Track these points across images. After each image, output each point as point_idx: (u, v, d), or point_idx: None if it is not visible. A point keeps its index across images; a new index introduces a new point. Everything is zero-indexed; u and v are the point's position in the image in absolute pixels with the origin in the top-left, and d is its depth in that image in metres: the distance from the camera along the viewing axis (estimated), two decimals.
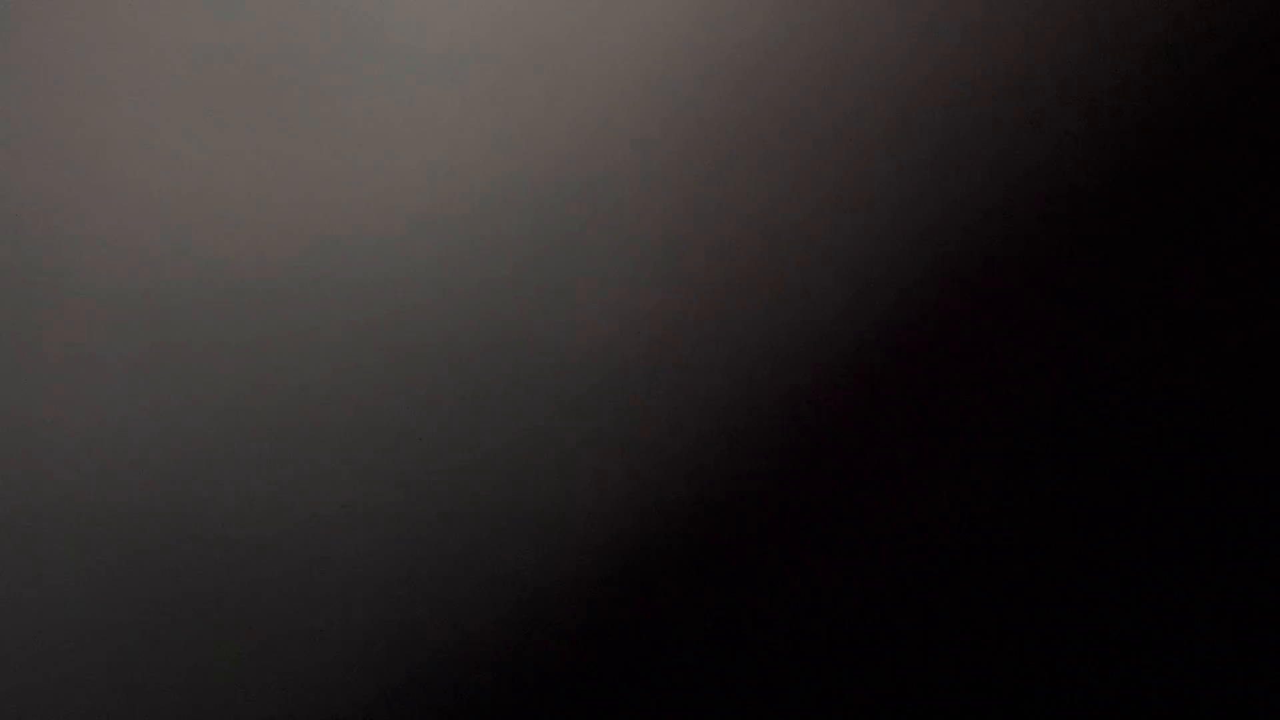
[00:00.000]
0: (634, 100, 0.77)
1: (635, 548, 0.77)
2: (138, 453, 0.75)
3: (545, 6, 0.76)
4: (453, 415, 0.76)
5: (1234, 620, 0.79)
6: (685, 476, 0.77)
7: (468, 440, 0.76)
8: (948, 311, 0.78)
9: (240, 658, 0.75)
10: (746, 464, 0.77)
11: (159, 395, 0.75)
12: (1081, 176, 0.79)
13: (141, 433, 0.75)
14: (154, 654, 0.75)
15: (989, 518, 0.78)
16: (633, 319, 0.77)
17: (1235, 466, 0.79)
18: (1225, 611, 0.79)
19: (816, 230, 0.78)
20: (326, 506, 0.76)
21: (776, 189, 0.77)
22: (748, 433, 0.77)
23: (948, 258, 0.78)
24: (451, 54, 0.76)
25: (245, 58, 0.75)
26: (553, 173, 0.77)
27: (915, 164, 0.78)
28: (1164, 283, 0.79)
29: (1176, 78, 0.79)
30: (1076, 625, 0.79)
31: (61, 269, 0.75)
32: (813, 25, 0.78)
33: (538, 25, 0.77)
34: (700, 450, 0.77)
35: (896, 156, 0.78)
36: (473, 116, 0.76)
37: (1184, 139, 0.79)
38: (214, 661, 0.75)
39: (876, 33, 0.78)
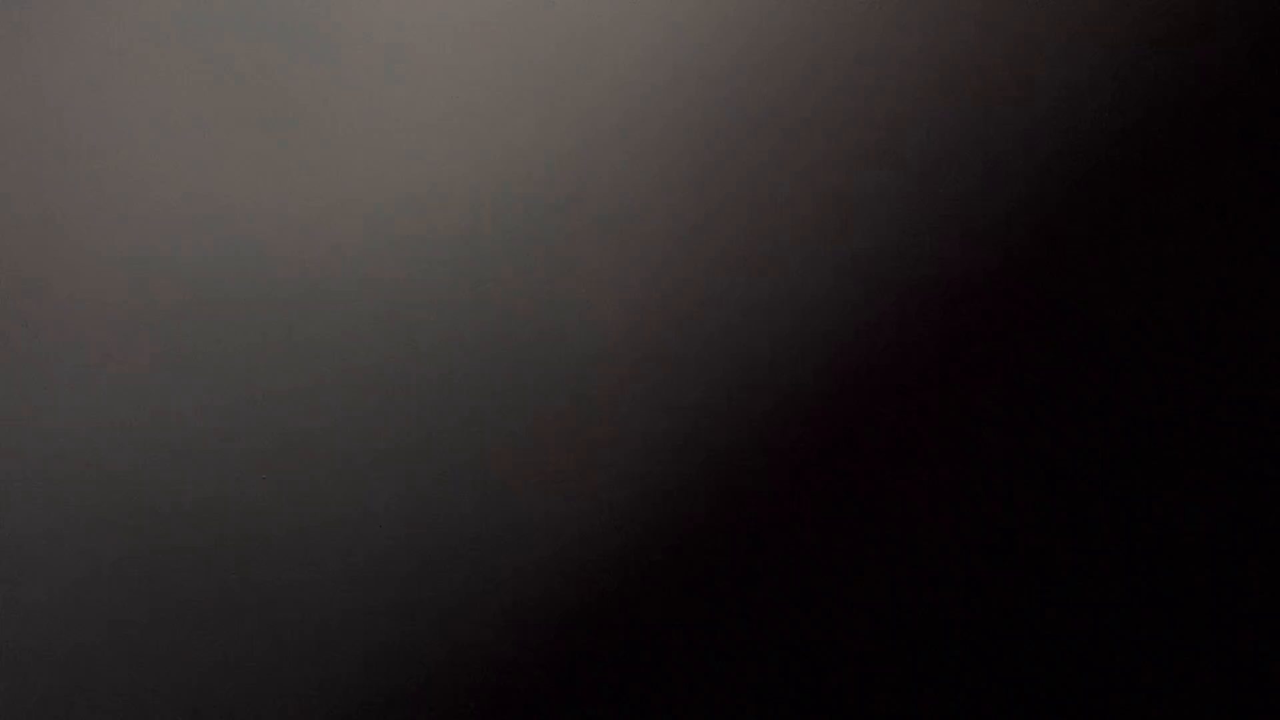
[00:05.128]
0: (635, 103, 0.77)
1: (641, 549, 0.77)
2: (146, 457, 0.75)
3: (546, 13, 0.76)
4: (458, 417, 0.76)
5: (1234, 621, 0.79)
6: (688, 478, 0.77)
7: (473, 442, 0.76)
8: (950, 313, 0.78)
9: (248, 658, 0.75)
10: (749, 466, 0.77)
11: (166, 399, 0.75)
12: (1086, 177, 0.79)
13: (149, 437, 0.75)
14: (163, 655, 0.75)
15: (989, 521, 0.78)
16: (633, 323, 0.77)
17: (1235, 468, 0.79)
18: (1225, 613, 0.79)
19: (820, 232, 0.78)
20: (333, 508, 0.76)
21: (779, 192, 0.77)
22: (750, 435, 0.77)
23: (950, 259, 0.78)
24: (452, 62, 0.76)
25: (246, 68, 0.75)
26: (553, 177, 0.77)
27: (919, 166, 0.78)
28: (1165, 286, 0.79)
29: (1177, 78, 0.79)
30: (1076, 629, 0.79)
31: (69, 277, 0.75)
32: (817, 29, 0.78)
33: (538, 32, 0.77)
34: (703, 453, 0.77)
35: (901, 159, 0.78)
36: (473, 123, 0.76)
37: (1185, 141, 0.79)
38: (222, 662, 0.75)
39: (879, 36, 0.78)
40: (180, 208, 0.75)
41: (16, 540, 0.74)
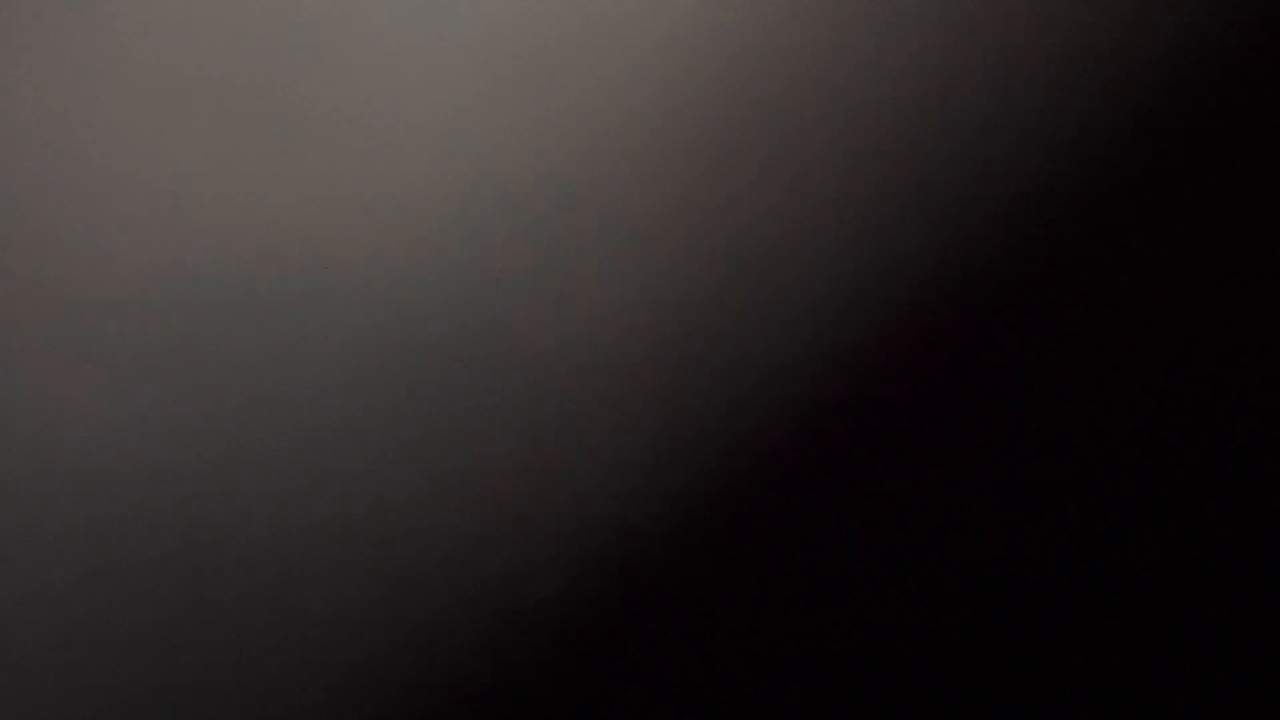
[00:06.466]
0: (633, 103, 0.77)
1: (638, 552, 0.77)
2: (140, 457, 0.75)
3: (542, 10, 0.76)
4: (453, 419, 0.76)
5: (1234, 623, 0.79)
6: (686, 480, 0.77)
7: (468, 444, 0.76)
8: (949, 316, 0.78)
9: (241, 662, 0.75)
10: (748, 469, 0.78)
11: (159, 401, 0.75)
12: (1086, 182, 0.79)
13: (143, 438, 0.75)
14: (155, 658, 0.75)
15: (988, 524, 0.79)
16: (631, 324, 0.77)
17: (1235, 473, 0.79)
18: (1226, 616, 0.79)
19: (819, 234, 0.78)
20: (328, 510, 0.76)
21: (777, 193, 0.77)
22: (750, 437, 0.77)
23: (949, 262, 0.78)
24: (448, 58, 0.76)
25: (243, 64, 0.75)
26: (550, 176, 0.77)
27: (918, 168, 0.78)
28: (1166, 290, 0.79)
29: (1177, 80, 0.79)
30: (1076, 633, 0.79)
31: (62, 276, 0.75)
32: (816, 30, 0.78)
33: (535, 29, 0.77)
34: (702, 456, 0.77)
35: (900, 160, 0.78)
36: (469, 120, 0.76)
37: (1186, 144, 0.79)
38: (215, 666, 0.75)
39: (879, 38, 0.78)
40: (174, 209, 0.75)
41: (16, 545, 0.74)
